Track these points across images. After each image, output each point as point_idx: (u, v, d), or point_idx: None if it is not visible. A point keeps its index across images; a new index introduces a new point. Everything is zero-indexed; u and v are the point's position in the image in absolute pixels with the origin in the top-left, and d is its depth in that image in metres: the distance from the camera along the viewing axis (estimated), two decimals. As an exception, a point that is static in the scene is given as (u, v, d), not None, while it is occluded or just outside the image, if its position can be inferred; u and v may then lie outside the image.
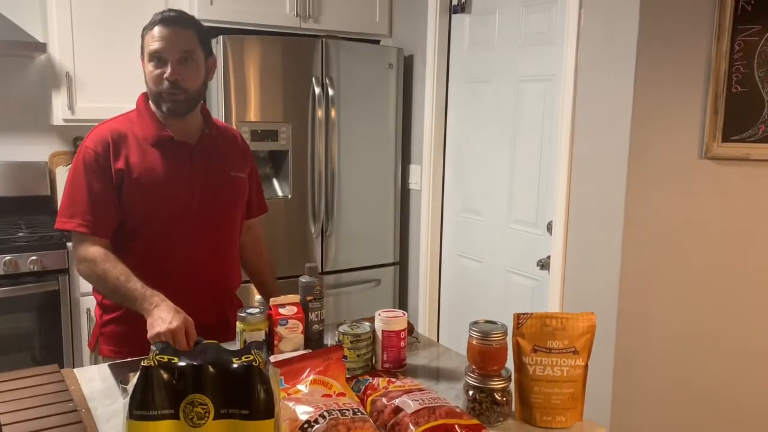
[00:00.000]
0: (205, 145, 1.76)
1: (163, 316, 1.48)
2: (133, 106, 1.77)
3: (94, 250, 1.62)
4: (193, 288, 1.65)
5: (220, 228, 1.78)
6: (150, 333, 1.47)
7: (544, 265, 2.57)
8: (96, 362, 1.74)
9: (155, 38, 1.62)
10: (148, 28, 1.65)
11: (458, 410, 1.18)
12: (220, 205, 1.77)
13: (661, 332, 2.23)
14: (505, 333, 1.29)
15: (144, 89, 1.74)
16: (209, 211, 1.74)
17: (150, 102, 1.73)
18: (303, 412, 1.11)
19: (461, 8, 2.97)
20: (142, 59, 1.69)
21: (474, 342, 1.28)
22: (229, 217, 1.81)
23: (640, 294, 2.23)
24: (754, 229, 2.14)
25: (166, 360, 0.98)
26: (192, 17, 1.70)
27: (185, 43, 1.64)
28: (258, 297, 2.13)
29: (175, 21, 1.64)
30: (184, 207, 1.70)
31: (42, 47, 2.86)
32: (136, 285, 1.56)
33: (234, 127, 2.64)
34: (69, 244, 2.71)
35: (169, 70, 1.62)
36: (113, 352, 1.71)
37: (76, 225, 1.63)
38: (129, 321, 1.70)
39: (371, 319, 1.54)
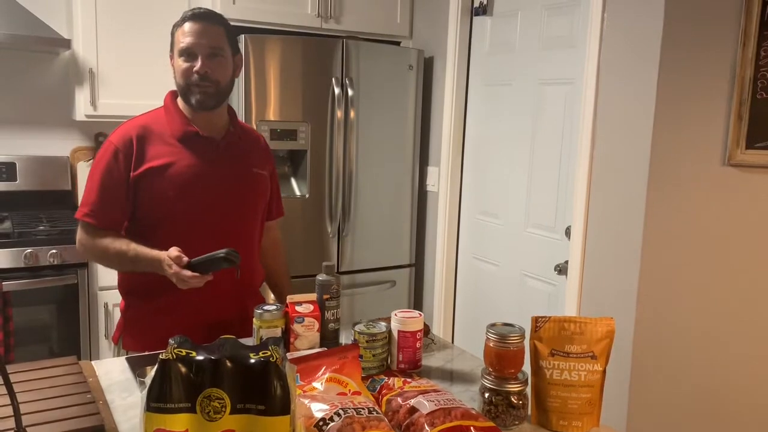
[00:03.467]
0: (230, 141, 1.78)
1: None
2: (155, 103, 1.80)
3: (95, 236, 1.71)
4: (216, 284, 1.65)
5: (243, 223, 1.80)
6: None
7: (561, 270, 2.55)
8: (119, 355, 1.76)
9: (186, 34, 1.66)
10: (178, 25, 1.69)
11: (474, 412, 1.17)
12: (243, 200, 1.79)
13: (679, 340, 2.20)
14: (523, 336, 1.28)
15: (170, 87, 1.77)
16: (232, 206, 1.76)
17: (178, 99, 1.76)
18: (318, 409, 1.11)
19: (483, 10, 2.96)
20: (172, 56, 1.72)
21: (491, 344, 1.27)
22: (251, 213, 1.82)
23: (659, 301, 2.20)
24: (777, 238, 2.11)
25: (184, 354, 0.99)
26: (220, 15, 1.74)
27: (214, 39, 1.68)
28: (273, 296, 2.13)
29: (204, 17, 1.68)
30: (208, 201, 1.72)
31: (66, 43, 2.89)
32: (138, 251, 1.64)
33: (256, 129, 2.65)
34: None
35: (199, 63, 1.66)
36: (137, 345, 1.73)
37: (82, 215, 1.71)
38: (154, 314, 1.73)
39: (387, 319, 1.54)
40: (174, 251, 1.56)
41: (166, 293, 1.62)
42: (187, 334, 1.06)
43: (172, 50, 1.72)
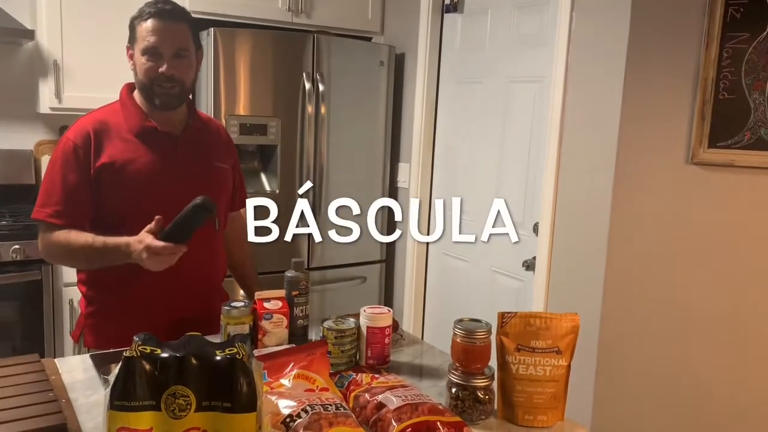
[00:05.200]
0: (189, 135, 1.74)
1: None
2: None
3: (58, 236, 1.63)
4: (178, 279, 1.63)
5: None
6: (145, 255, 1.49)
7: (529, 265, 2.58)
8: (80, 353, 1.73)
9: (150, 32, 1.60)
10: (140, 19, 1.63)
11: (441, 407, 1.18)
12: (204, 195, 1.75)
13: (644, 335, 2.25)
14: (489, 331, 1.29)
15: (129, 80, 1.72)
16: None
17: (135, 93, 1.71)
18: (285, 406, 1.11)
19: (453, 8, 2.97)
20: (130, 48, 1.67)
21: (458, 340, 1.28)
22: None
23: (624, 297, 2.24)
24: (738, 234, 2.16)
25: (148, 351, 0.98)
26: (184, 9, 1.69)
27: (181, 39, 1.63)
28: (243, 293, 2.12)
29: (170, 15, 1.63)
30: (168, 197, 1.68)
31: (30, 34, 2.83)
32: (105, 239, 1.57)
33: (218, 120, 2.62)
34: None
35: (165, 65, 1.61)
36: (98, 342, 1.70)
37: (46, 215, 1.63)
38: (114, 312, 1.69)
39: (356, 316, 1.54)
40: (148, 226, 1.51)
41: (126, 290, 1.58)
42: (149, 331, 1.04)
43: (131, 43, 1.66)
